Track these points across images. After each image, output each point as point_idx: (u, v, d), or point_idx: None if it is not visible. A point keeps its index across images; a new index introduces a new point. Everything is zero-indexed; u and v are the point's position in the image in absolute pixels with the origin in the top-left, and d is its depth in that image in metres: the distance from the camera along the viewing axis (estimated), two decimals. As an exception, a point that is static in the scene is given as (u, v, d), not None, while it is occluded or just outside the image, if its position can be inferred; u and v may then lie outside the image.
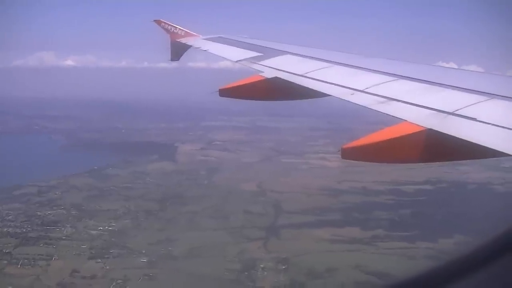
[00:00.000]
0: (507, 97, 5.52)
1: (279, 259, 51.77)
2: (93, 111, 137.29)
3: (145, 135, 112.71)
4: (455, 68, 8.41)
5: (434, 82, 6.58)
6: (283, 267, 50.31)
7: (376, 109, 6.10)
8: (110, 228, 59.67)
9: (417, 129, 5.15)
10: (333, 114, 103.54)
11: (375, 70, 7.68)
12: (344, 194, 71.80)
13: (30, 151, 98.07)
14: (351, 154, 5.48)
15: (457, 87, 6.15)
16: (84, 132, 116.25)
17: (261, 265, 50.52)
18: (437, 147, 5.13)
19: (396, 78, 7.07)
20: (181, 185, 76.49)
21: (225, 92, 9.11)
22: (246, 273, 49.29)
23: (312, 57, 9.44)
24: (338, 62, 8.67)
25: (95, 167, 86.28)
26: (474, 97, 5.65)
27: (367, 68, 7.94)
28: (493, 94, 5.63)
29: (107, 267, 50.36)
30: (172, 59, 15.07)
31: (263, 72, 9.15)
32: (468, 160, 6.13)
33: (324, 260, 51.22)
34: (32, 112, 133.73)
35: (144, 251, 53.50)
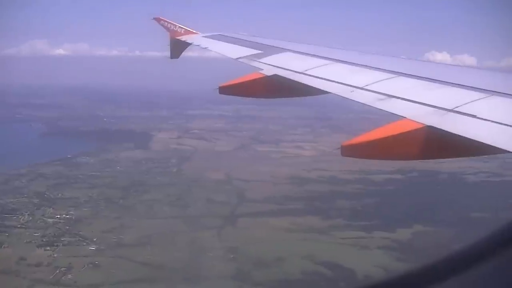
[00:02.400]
0: (507, 94, 5.46)
1: (230, 248, 51.02)
2: (78, 99, 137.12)
3: (126, 124, 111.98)
4: (455, 65, 8.33)
5: (434, 79, 6.54)
6: (232, 256, 49.49)
7: (376, 106, 6.05)
8: (67, 216, 59.03)
9: (417, 126, 5.11)
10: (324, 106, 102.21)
11: (375, 67, 7.60)
12: (311, 183, 70.77)
13: (8, 139, 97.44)
14: (350, 151, 5.29)
15: (457, 84, 6.12)
16: (66, 121, 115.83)
17: (210, 254, 49.68)
18: (437, 144, 5.10)
19: (396, 75, 7.02)
20: (149, 173, 75.84)
21: (225, 90, 9.04)
22: (193, 261, 48.42)
23: (312, 55, 9.39)
24: (338, 60, 8.63)
25: (69, 155, 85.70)
26: (474, 94, 5.61)
27: (366, 66, 7.87)
28: (493, 91, 5.58)
29: (55, 255, 49.70)
30: (172, 57, 14.94)
31: (262, 69, 9.08)
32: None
33: (276, 249, 50.35)
34: (17, 100, 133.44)
35: (95, 239, 52.84)
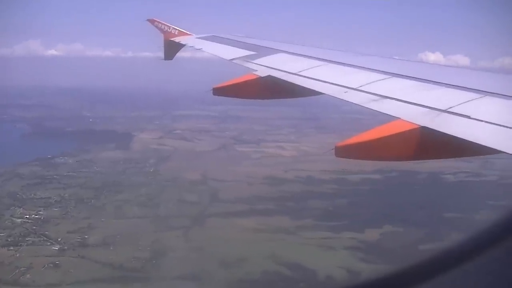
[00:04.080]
0: (500, 94, 5.48)
1: (193, 248, 50.45)
2: (67, 100, 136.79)
3: (110, 124, 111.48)
4: (448, 66, 8.39)
5: (428, 80, 6.56)
6: (194, 256, 48.91)
7: (370, 107, 6.04)
8: (36, 216, 58.58)
9: (410, 127, 5.12)
10: (316, 107, 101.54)
11: (369, 68, 7.62)
12: (286, 183, 70.16)
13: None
14: (344, 152, 5.28)
15: (451, 84, 6.14)
16: (51, 121, 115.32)
17: (172, 254, 49.18)
18: (430, 144, 5.09)
19: (390, 76, 7.03)
20: (125, 173, 75.36)
21: (219, 91, 9.01)
22: (153, 261, 47.97)
23: (306, 56, 9.41)
24: (332, 61, 8.66)
25: (49, 156, 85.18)
26: (467, 95, 5.62)
27: (360, 66, 7.89)
28: (486, 92, 5.60)
29: (17, 255, 49.25)
30: (166, 58, 15.01)
31: (256, 70, 9.08)
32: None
33: (240, 249, 49.74)
34: (5, 101, 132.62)
35: (60, 239, 52.38)
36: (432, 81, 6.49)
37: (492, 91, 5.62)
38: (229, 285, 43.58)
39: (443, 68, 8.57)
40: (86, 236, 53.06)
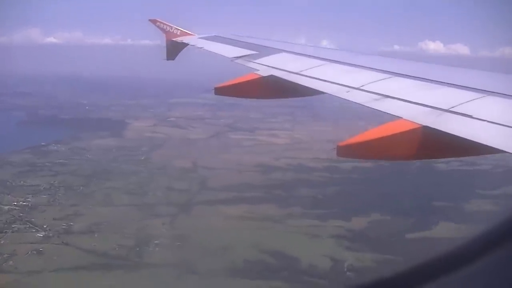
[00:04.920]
0: (502, 94, 5.47)
1: (178, 236, 50.28)
2: (64, 88, 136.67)
3: (106, 112, 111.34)
4: (450, 66, 7.93)
5: (430, 80, 6.55)
6: (178, 244, 48.76)
7: (372, 107, 6.04)
8: (24, 203, 58.48)
9: (412, 127, 5.11)
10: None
11: (371, 68, 7.62)
12: (276, 171, 69.80)
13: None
14: (346, 151, 5.27)
15: (453, 84, 6.13)
16: (47, 109, 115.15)
17: (156, 242, 48.98)
18: (433, 144, 5.09)
19: (392, 76, 7.03)
20: (117, 161, 75.12)
21: (221, 91, 9.07)
22: (137, 249, 47.78)
23: (308, 55, 9.43)
24: (334, 60, 8.66)
25: (42, 143, 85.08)
26: (469, 95, 5.62)
27: (362, 66, 7.88)
28: (488, 91, 5.59)
29: (1, 242, 49.16)
30: (168, 58, 15.09)
31: (258, 70, 9.05)
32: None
33: (225, 237, 49.49)
34: (1, 89, 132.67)
35: (45, 226, 52.24)
36: (434, 80, 6.48)
37: (494, 91, 5.60)
38: (211, 273, 43.20)
39: (445, 67, 8.40)
40: (71, 223, 52.92)
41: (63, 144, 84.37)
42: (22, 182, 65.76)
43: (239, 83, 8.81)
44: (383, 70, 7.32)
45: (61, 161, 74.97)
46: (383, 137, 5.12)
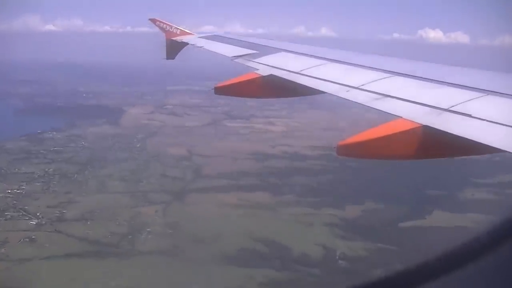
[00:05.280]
0: (502, 93, 5.46)
1: (170, 224, 50.20)
2: (62, 75, 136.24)
3: (103, 99, 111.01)
4: (450, 65, 7.88)
5: (430, 79, 6.52)
6: (170, 231, 48.70)
7: (372, 106, 6.03)
8: (18, 191, 58.39)
9: (412, 126, 5.11)
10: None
11: (371, 67, 7.63)
12: (271, 159, 69.60)
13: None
14: (346, 151, 5.31)
15: (452, 83, 6.11)
16: (44, 97, 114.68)
17: (148, 229, 48.93)
18: (432, 143, 5.09)
19: (392, 75, 7.03)
20: (112, 148, 75.01)
21: (220, 90, 9.07)
22: (130, 236, 47.73)
23: (307, 55, 9.39)
24: (333, 59, 8.64)
25: (38, 131, 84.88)
26: (469, 94, 5.61)
27: (362, 65, 7.89)
28: (488, 91, 5.59)
29: (-6, 229, 49.13)
30: (168, 58, 15.13)
31: (258, 69, 9.07)
32: None
33: (217, 225, 49.52)
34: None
35: (38, 214, 52.20)
36: (434, 80, 6.44)
37: (493, 90, 5.58)
38: (203, 261, 43.15)
39: (445, 67, 8.24)
40: (64, 211, 52.86)
41: (59, 132, 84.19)
42: (16, 169, 65.73)
43: (238, 83, 8.79)
44: (383, 70, 7.32)
45: (56, 148, 74.84)
46: (383, 137, 5.12)
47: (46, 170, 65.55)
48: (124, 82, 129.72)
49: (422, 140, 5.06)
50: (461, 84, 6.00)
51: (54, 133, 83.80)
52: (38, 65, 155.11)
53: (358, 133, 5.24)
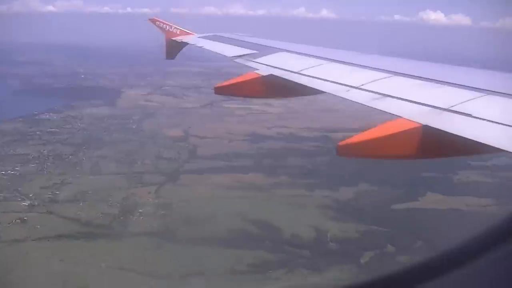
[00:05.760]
0: (502, 93, 5.49)
1: (163, 205, 50.04)
2: (61, 56, 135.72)
3: (101, 80, 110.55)
4: (450, 65, 8.02)
5: (429, 79, 6.56)
6: (162, 212, 48.57)
7: (372, 106, 6.06)
8: (12, 173, 58.30)
9: (412, 126, 5.12)
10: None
11: (370, 67, 7.66)
12: (267, 140, 69.25)
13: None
14: (346, 151, 5.31)
15: (452, 83, 6.15)
16: (42, 78, 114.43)
17: (140, 210, 48.82)
18: (432, 143, 5.10)
19: (391, 75, 7.06)
20: (108, 130, 74.74)
21: (220, 90, 9.13)
22: (121, 218, 47.63)
23: (307, 54, 9.47)
24: (333, 59, 8.68)
25: (35, 112, 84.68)
26: (469, 93, 5.64)
27: (362, 65, 7.92)
28: (488, 90, 5.62)
29: (-14, 211, 49.08)
30: (167, 58, 15.27)
31: (258, 69, 9.09)
32: None
33: (210, 206, 49.35)
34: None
35: (31, 195, 52.06)
36: (434, 79, 6.47)
37: (493, 90, 5.60)
38: (193, 242, 43.07)
39: (445, 66, 8.39)
40: (57, 192, 52.74)
41: (55, 113, 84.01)
42: (11, 151, 65.62)
43: (238, 83, 8.78)
44: (382, 69, 7.31)
45: (52, 130, 74.70)
46: (383, 137, 5.13)
47: (41, 151, 65.40)
48: (124, 63, 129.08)
49: (422, 140, 5.06)
50: (461, 83, 6.01)
51: (51, 114, 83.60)
52: (38, 46, 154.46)
53: (358, 133, 5.27)
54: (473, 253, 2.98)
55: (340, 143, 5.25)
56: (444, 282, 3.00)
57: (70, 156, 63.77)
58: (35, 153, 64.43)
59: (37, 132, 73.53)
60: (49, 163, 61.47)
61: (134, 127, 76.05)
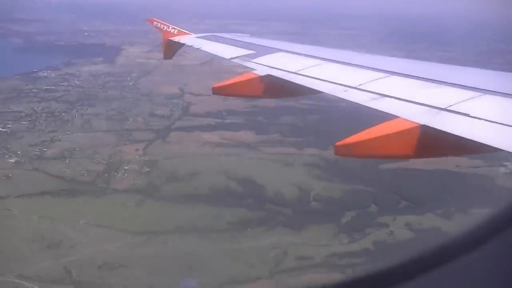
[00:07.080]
0: (499, 92, 5.49)
1: (148, 162, 49.65)
2: (66, 14, 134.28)
3: (104, 38, 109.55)
4: (447, 65, 8.05)
5: (427, 79, 6.52)
6: (147, 169, 48.21)
7: (369, 106, 6.02)
8: (3, 130, 58.31)
9: (410, 125, 5.09)
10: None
11: (368, 67, 7.60)
12: (260, 98, 67.76)
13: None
14: (344, 150, 5.32)
15: (450, 83, 6.11)
16: (45, 35, 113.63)
17: (126, 167, 48.50)
18: (430, 143, 5.07)
19: (389, 75, 7.02)
20: (104, 87, 74.14)
21: (218, 90, 8.97)
22: (105, 175, 47.36)
23: (305, 55, 9.36)
24: (331, 59, 8.59)
25: (34, 70, 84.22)
26: (466, 93, 5.63)
27: (360, 65, 7.85)
28: (485, 90, 5.62)
29: (-27, 168, 49.19)
30: (165, 58, 15.14)
31: (255, 70, 8.95)
32: None
33: (196, 163, 48.79)
34: (1, 16, 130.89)
35: (19, 152, 52.00)
36: (432, 79, 6.40)
37: (491, 89, 5.58)
38: (174, 199, 42.72)
39: (443, 66, 8.41)
40: (45, 149, 52.60)
41: (54, 70, 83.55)
42: (6, 108, 65.51)
43: (236, 83, 8.65)
44: (380, 69, 7.25)
45: (48, 87, 74.33)
46: (381, 136, 5.09)
47: (35, 108, 65.22)
48: (128, 21, 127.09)
49: (420, 139, 5.02)
50: (459, 83, 5.94)
51: (49, 71, 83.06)
52: (41, 3, 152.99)
53: (356, 133, 5.20)
54: (468, 247, 2.96)
55: (338, 143, 5.21)
56: (441, 275, 2.99)
57: (63, 114, 63.49)
58: (28, 111, 64.29)
59: (33, 90, 73.25)
60: (41, 121, 61.34)
61: (130, 84, 75.38)
